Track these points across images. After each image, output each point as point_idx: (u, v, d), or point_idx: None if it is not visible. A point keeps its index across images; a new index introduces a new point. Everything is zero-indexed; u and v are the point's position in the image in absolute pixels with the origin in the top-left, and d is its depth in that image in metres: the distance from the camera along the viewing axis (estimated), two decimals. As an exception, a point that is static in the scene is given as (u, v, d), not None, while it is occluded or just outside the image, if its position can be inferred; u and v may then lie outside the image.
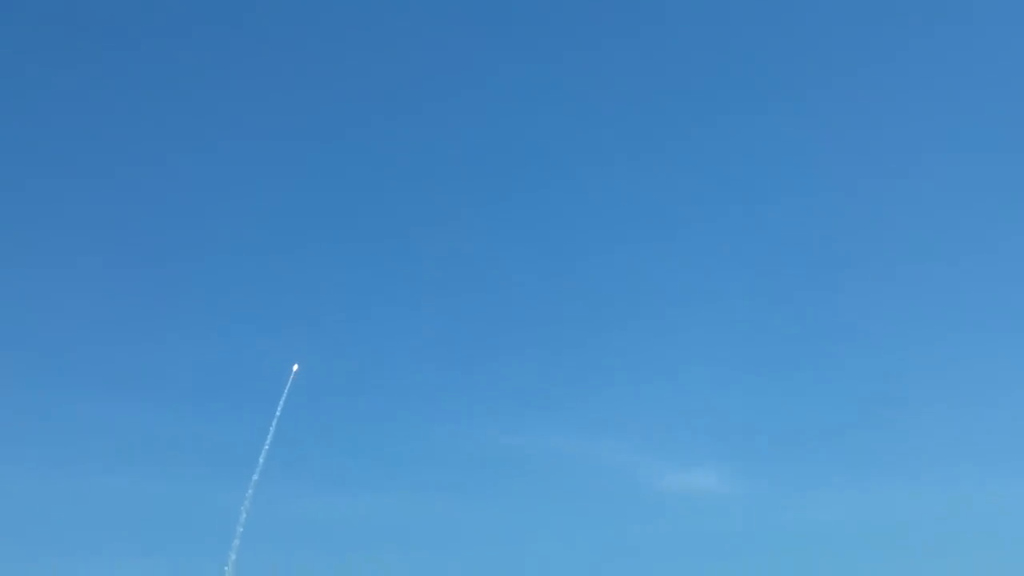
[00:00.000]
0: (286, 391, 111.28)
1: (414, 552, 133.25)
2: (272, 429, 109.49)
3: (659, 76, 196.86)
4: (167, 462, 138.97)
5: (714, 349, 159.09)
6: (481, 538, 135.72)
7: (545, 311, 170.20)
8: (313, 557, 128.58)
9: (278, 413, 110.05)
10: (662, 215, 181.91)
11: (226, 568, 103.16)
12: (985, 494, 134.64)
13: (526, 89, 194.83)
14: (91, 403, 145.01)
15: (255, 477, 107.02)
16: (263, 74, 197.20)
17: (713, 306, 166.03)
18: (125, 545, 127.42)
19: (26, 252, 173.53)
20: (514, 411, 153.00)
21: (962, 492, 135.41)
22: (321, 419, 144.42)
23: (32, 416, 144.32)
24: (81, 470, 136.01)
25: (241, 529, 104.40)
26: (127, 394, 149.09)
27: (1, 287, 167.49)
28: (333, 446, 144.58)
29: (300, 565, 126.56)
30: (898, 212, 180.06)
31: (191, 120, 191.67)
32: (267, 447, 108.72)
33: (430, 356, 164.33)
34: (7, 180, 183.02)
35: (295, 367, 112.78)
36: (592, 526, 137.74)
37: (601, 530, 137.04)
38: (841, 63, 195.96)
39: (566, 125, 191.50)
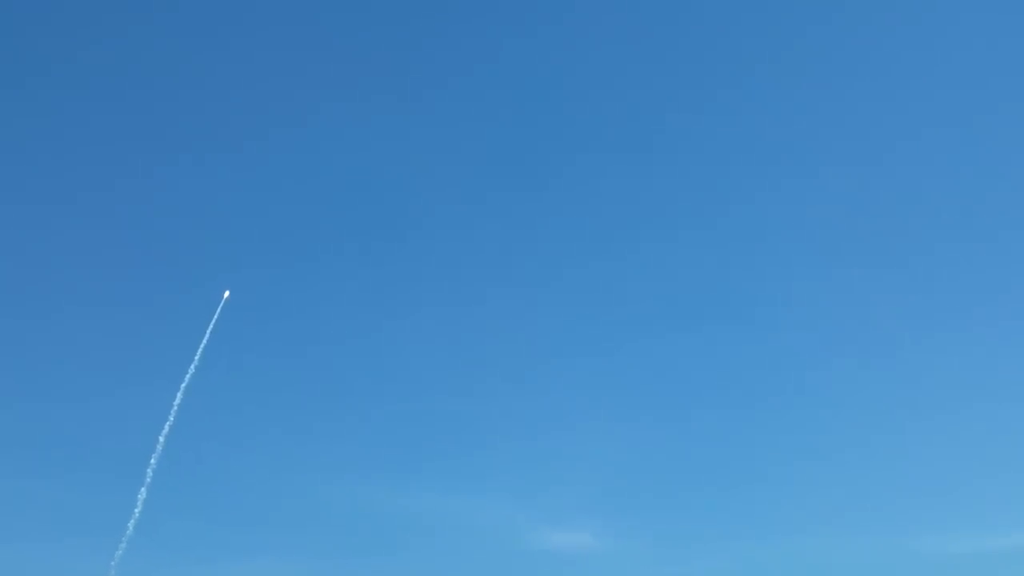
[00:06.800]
0: (213, 321, 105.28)
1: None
2: (143, 492, 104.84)
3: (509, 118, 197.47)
4: (26, 527, 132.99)
5: (587, 403, 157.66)
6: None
7: (417, 362, 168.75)
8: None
9: (185, 383, 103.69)
10: (527, 263, 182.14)
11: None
12: (867, 547, 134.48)
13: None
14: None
15: (122, 546, 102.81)
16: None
17: (584, 359, 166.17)
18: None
19: None
20: (382, 468, 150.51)
21: (844, 547, 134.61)
22: (196, 481, 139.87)
23: None
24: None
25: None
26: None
27: None
28: (209, 509, 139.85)
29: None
30: (766, 262, 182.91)
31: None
32: (137, 511, 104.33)
33: (305, 412, 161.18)
34: None
35: (226, 293, 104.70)
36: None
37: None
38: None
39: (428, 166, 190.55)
